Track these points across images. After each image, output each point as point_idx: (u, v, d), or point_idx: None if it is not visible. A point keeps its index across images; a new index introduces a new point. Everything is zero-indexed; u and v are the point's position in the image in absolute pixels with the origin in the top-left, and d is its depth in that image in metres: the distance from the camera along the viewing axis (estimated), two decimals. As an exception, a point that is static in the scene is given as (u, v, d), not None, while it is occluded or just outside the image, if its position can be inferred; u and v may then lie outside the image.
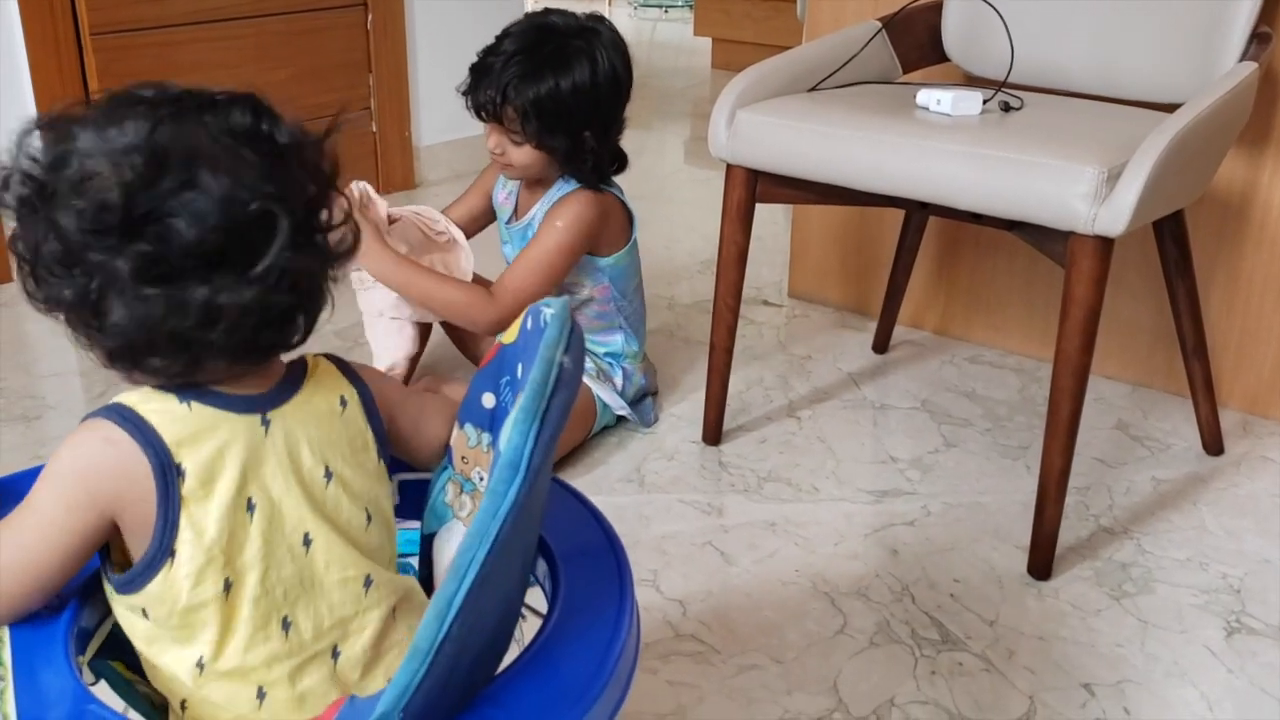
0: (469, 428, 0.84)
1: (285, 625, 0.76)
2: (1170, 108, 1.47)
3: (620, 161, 1.73)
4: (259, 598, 0.75)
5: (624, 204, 1.75)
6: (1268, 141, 1.77)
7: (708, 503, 1.62)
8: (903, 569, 1.48)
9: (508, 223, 1.79)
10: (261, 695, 0.75)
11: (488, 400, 0.82)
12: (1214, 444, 1.78)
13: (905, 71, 1.82)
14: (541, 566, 0.86)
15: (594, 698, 0.71)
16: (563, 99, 1.58)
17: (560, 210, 1.67)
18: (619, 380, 1.79)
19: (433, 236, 1.74)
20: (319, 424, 0.79)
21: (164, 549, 0.73)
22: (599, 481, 1.67)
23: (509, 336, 0.80)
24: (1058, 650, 1.33)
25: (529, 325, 0.76)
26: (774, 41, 4.56)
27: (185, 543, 0.73)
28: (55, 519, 0.72)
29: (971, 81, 1.82)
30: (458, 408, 0.87)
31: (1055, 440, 1.41)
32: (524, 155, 1.65)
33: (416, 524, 1.44)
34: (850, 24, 1.81)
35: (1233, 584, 1.46)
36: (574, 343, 0.70)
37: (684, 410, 1.88)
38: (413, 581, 0.87)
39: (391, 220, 1.72)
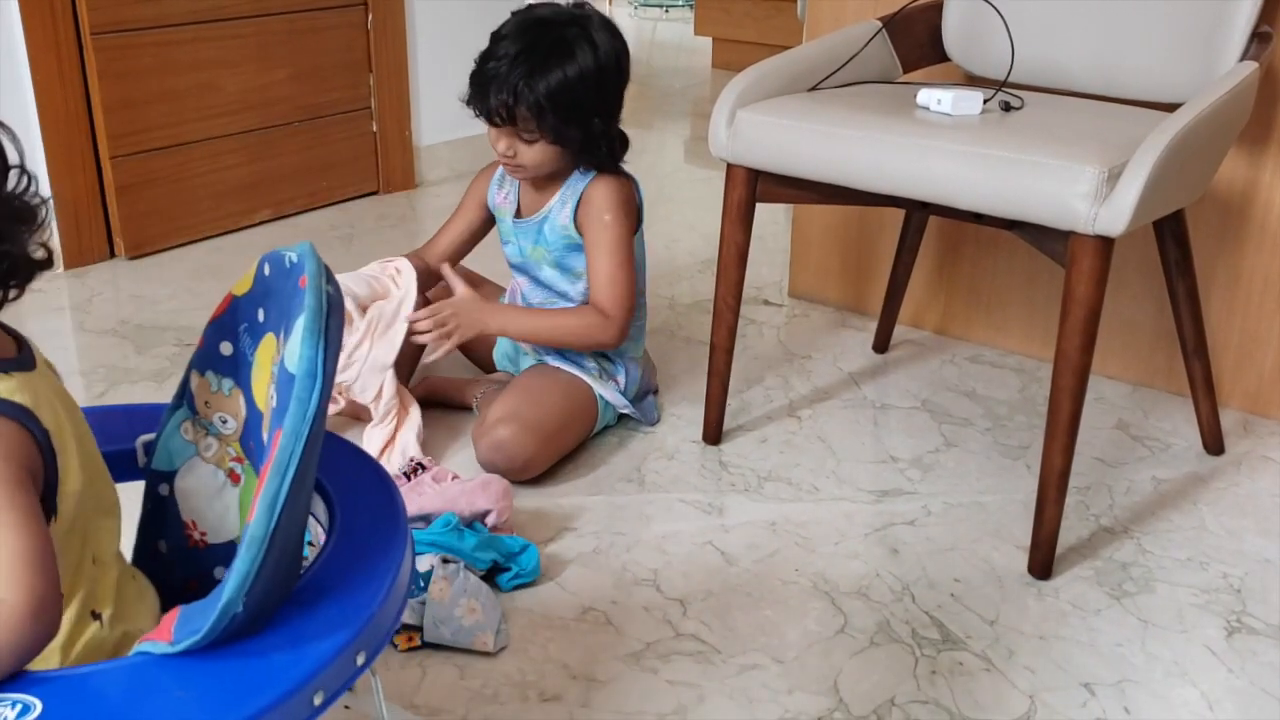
0: (210, 375, 0.91)
1: (92, 560, 0.81)
2: (1171, 107, 1.47)
3: (624, 143, 1.74)
4: (91, 532, 0.79)
5: (637, 188, 1.77)
6: (1268, 141, 1.77)
7: (708, 502, 1.62)
8: (903, 568, 1.48)
9: (515, 220, 1.78)
10: (98, 617, 0.80)
11: (225, 348, 0.90)
12: (1214, 444, 1.78)
13: (905, 71, 1.82)
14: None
15: (393, 578, 0.81)
16: (573, 88, 1.59)
17: (596, 204, 1.68)
18: (621, 379, 1.79)
19: (379, 289, 1.75)
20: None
21: (49, 509, 0.75)
22: (599, 481, 1.67)
23: (241, 288, 0.87)
24: (1058, 650, 1.33)
25: (266, 271, 0.84)
26: (774, 41, 4.56)
27: (64, 497, 0.76)
28: (26, 505, 0.71)
29: (972, 81, 1.82)
30: None
31: (1056, 440, 1.41)
32: (536, 154, 1.65)
33: (418, 525, 1.44)
34: (850, 23, 1.81)
35: (1233, 584, 1.46)
36: (329, 274, 0.78)
37: (684, 410, 1.88)
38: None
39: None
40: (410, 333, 1.67)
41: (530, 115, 1.60)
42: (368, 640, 0.76)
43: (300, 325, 0.75)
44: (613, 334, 1.69)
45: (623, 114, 1.73)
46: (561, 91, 1.59)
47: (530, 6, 1.67)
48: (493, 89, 1.60)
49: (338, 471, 0.93)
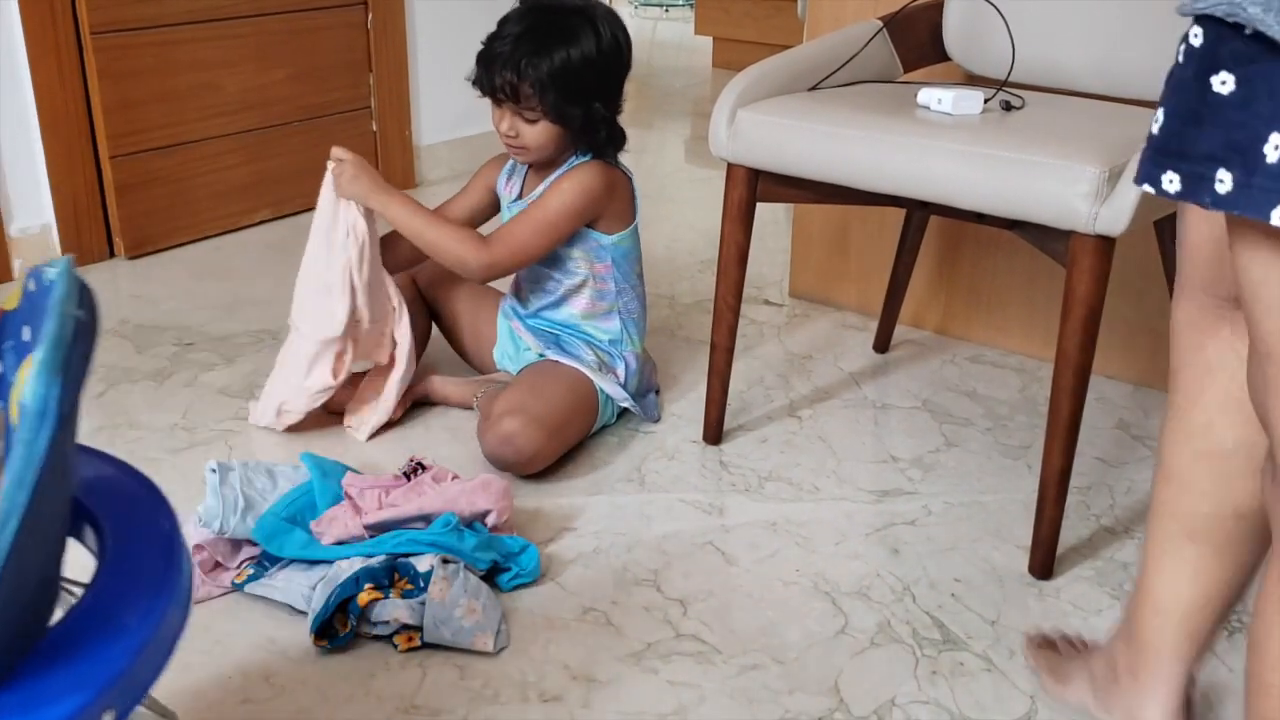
0: None
1: None
2: (1171, 107, 1.47)
3: (622, 137, 1.75)
4: None
5: (631, 184, 1.77)
6: (1269, 140, 1.76)
7: (709, 502, 1.62)
8: (904, 568, 1.48)
9: (512, 204, 1.80)
10: None
11: None
12: (1215, 443, 1.77)
13: (906, 71, 1.82)
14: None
15: (154, 625, 0.75)
16: (574, 68, 1.62)
17: (568, 176, 1.70)
18: (621, 371, 1.79)
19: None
20: None
21: None
22: (600, 481, 1.67)
23: (10, 303, 0.81)
24: (1059, 650, 1.33)
25: (31, 287, 0.78)
26: (775, 40, 4.56)
27: None
28: None
29: (972, 80, 1.82)
30: None
31: (1056, 440, 1.40)
32: (538, 134, 1.67)
33: (418, 525, 1.44)
34: (851, 23, 1.81)
35: (1234, 583, 1.46)
36: (85, 298, 0.72)
37: (685, 410, 1.88)
38: None
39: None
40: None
41: (533, 92, 1.63)
42: (118, 697, 0.70)
43: (38, 356, 0.68)
44: (481, 262, 1.68)
45: (623, 112, 1.74)
46: (563, 71, 1.62)
47: None
48: (497, 66, 1.63)
49: (111, 499, 0.86)
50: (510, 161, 1.83)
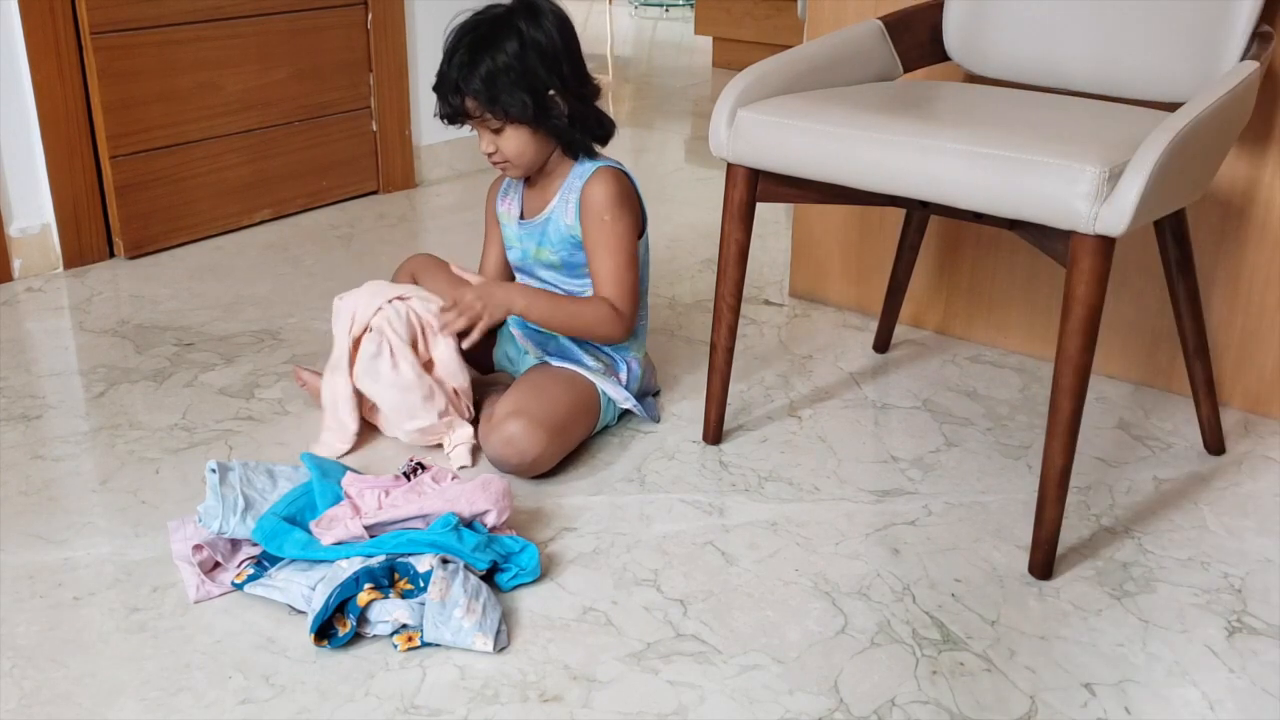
0: None
1: None
2: (1171, 107, 1.47)
3: (609, 124, 1.75)
4: None
5: (636, 187, 1.78)
6: (1269, 141, 1.77)
7: (709, 502, 1.62)
8: (904, 568, 1.48)
9: (520, 223, 1.80)
10: None
11: None
12: (1215, 443, 1.77)
13: (906, 71, 1.82)
14: None
15: None
16: (501, 70, 1.63)
17: (595, 207, 1.70)
18: (624, 375, 1.79)
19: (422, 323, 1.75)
20: None
21: None
22: (600, 481, 1.67)
23: None
24: (1059, 650, 1.33)
25: None
26: (775, 40, 4.56)
27: None
28: None
29: (972, 80, 1.82)
30: None
31: (1056, 439, 1.40)
32: (510, 142, 1.68)
33: (417, 525, 1.44)
34: (851, 23, 1.81)
35: (1234, 583, 1.46)
36: None
37: (685, 410, 1.88)
38: None
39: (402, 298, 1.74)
40: (442, 328, 1.70)
41: (478, 103, 1.64)
42: None
43: None
44: (621, 330, 1.73)
45: (598, 95, 1.73)
46: (489, 76, 1.62)
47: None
48: (444, 91, 1.67)
49: None
50: (505, 181, 1.84)
